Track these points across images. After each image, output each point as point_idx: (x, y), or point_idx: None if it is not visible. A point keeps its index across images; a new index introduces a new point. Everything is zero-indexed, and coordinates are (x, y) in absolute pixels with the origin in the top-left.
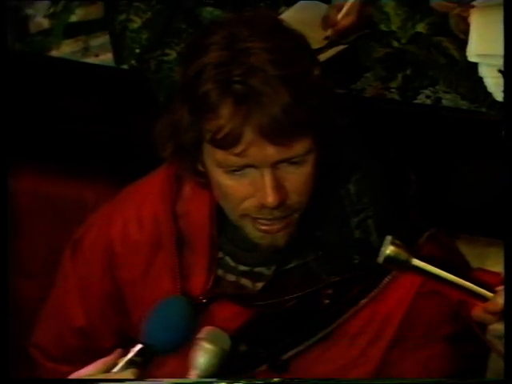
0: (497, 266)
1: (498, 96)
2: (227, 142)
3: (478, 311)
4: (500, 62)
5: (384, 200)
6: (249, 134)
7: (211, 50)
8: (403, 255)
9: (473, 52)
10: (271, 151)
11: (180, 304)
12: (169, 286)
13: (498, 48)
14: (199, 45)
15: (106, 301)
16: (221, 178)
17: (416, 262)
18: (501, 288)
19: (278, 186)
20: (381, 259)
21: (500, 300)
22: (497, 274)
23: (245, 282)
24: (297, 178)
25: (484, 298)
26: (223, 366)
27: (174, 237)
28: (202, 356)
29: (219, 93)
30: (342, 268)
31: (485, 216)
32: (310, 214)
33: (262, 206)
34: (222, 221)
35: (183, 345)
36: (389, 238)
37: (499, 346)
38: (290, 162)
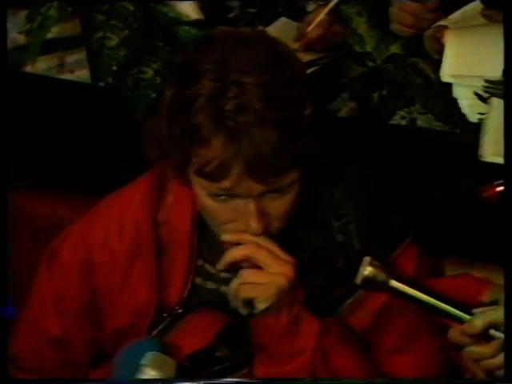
0: None
1: (472, 117)
2: (215, 176)
3: (454, 333)
4: (474, 83)
5: (366, 206)
6: (236, 170)
7: (204, 77)
8: (381, 276)
9: (446, 73)
10: (257, 187)
11: (149, 348)
12: (145, 295)
13: (473, 69)
14: (192, 68)
15: (82, 311)
16: (204, 200)
17: (394, 283)
18: (479, 310)
19: (262, 214)
20: (358, 280)
21: (477, 322)
22: (484, 280)
23: (225, 289)
24: (281, 205)
25: (461, 321)
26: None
27: (153, 245)
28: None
29: (211, 126)
30: (325, 271)
31: (460, 235)
32: (293, 218)
33: (245, 231)
34: (203, 228)
35: None
36: (367, 258)
37: (475, 368)
38: (275, 191)
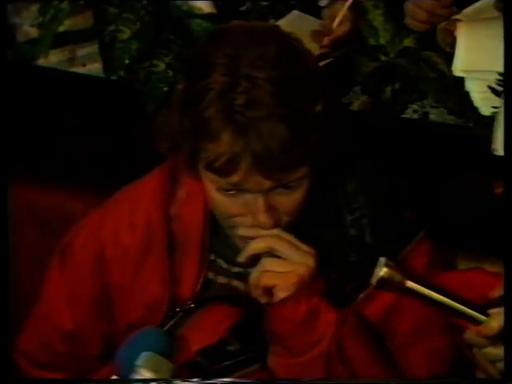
0: None
1: (485, 111)
2: (224, 171)
3: (470, 334)
4: (487, 77)
5: (379, 200)
6: (245, 165)
7: (215, 71)
8: (397, 277)
9: (459, 67)
10: (265, 182)
11: (155, 336)
12: (158, 291)
13: (485, 63)
14: (203, 61)
15: (95, 305)
16: (213, 194)
17: (410, 283)
18: (495, 311)
19: (271, 209)
20: (374, 281)
21: (494, 324)
22: (497, 274)
23: (236, 283)
24: (289, 201)
25: (477, 321)
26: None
27: (165, 240)
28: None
29: (221, 120)
30: (338, 265)
31: (471, 231)
32: (306, 212)
33: (254, 225)
34: (215, 223)
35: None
36: (382, 259)
37: (491, 369)
38: (284, 186)
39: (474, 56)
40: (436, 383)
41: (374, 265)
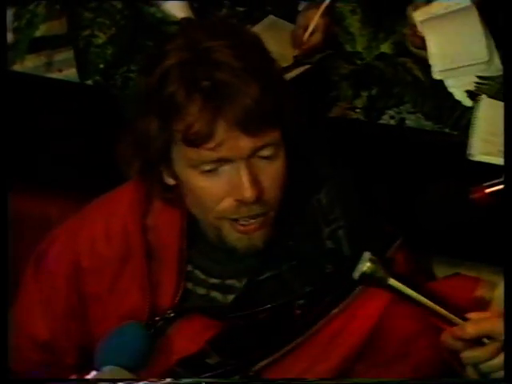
0: None
1: (468, 102)
2: (199, 138)
3: (446, 337)
4: (466, 71)
5: (355, 210)
6: (221, 128)
7: (172, 53)
8: (380, 273)
9: (436, 68)
10: (245, 142)
11: (134, 330)
12: (136, 300)
13: (461, 55)
14: (159, 52)
15: (70, 315)
16: (195, 181)
17: (392, 281)
18: (475, 316)
19: (254, 180)
20: (356, 275)
21: (469, 329)
22: (476, 278)
23: (215, 294)
24: (270, 172)
25: (455, 324)
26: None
27: (143, 250)
28: None
29: (186, 91)
30: (314, 278)
31: (448, 237)
32: (283, 223)
33: (240, 203)
34: (192, 234)
35: (137, 370)
36: (366, 254)
37: (471, 373)
38: (262, 156)
39: (446, 50)
40: (436, 383)
41: (350, 276)
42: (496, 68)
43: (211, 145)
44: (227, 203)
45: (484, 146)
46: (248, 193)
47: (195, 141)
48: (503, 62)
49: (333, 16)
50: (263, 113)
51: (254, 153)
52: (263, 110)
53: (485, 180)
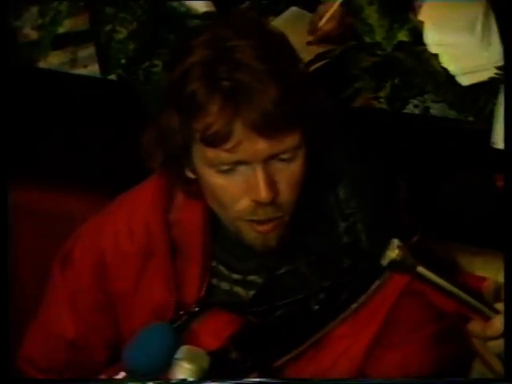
0: (483, 274)
1: (465, 81)
2: (218, 139)
3: (475, 327)
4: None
5: (372, 204)
6: (239, 130)
7: (196, 50)
8: (408, 260)
9: (430, 41)
10: (262, 145)
11: (162, 330)
12: (162, 296)
13: (453, 32)
14: (184, 47)
15: (97, 313)
16: (212, 179)
17: (421, 269)
18: (501, 307)
19: (270, 182)
20: (385, 262)
21: (498, 325)
22: (482, 278)
23: (238, 290)
24: (287, 174)
25: (483, 314)
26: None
27: (166, 246)
28: (181, 375)
29: (207, 90)
30: (332, 272)
31: (473, 225)
32: (299, 219)
33: (256, 205)
34: (215, 229)
35: (165, 369)
36: (395, 241)
37: (494, 362)
38: (280, 158)
39: (441, 28)
40: (436, 383)
41: (368, 271)
42: (492, 57)
43: (229, 146)
44: (244, 204)
45: None
46: (263, 194)
47: (213, 141)
48: (504, 59)
49: (350, 8)
50: (282, 117)
51: (271, 157)
52: (282, 114)
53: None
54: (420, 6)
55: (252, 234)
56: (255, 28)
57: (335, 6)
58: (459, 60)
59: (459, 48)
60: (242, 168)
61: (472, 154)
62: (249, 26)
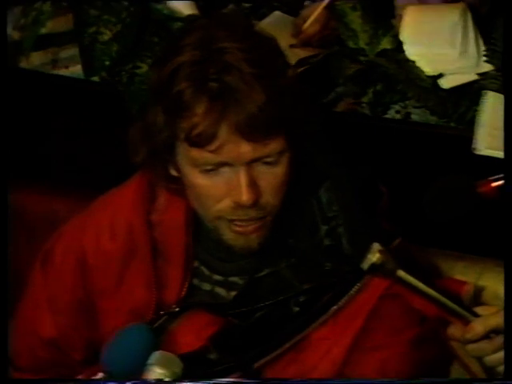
0: (464, 279)
1: (445, 84)
2: (202, 139)
3: (455, 331)
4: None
5: (354, 208)
6: (224, 131)
7: (186, 50)
8: (389, 264)
9: (411, 51)
10: (246, 148)
11: (139, 332)
12: (143, 296)
13: (431, 38)
14: (174, 46)
15: (78, 312)
16: (195, 178)
17: (401, 273)
18: (482, 310)
19: (253, 185)
20: (365, 266)
21: (478, 328)
22: (463, 282)
23: (219, 290)
24: (271, 178)
25: (463, 318)
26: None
27: (148, 246)
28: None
29: (194, 91)
30: (313, 275)
31: (454, 230)
32: (282, 221)
33: (237, 206)
34: (197, 230)
35: (143, 370)
36: (376, 245)
37: (473, 365)
38: (264, 162)
39: (419, 33)
40: (436, 383)
41: (349, 274)
42: (469, 61)
43: (213, 147)
44: (225, 204)
45: (489, 140)
46: (245, 196)
47: (198, 141)
48: (503, 59)
49: (334, 13)
50: (267, 121)
51: (254, 160)
52: (268, 119)
53: (490, 174)
54: (401, 16)
55: (231, 235)
56: (246, 31)
57: (319, 8)
58: (438, 65)
59: (439, 57)
60: (225, 169)
61: (453, 160)
62: (240, 29)
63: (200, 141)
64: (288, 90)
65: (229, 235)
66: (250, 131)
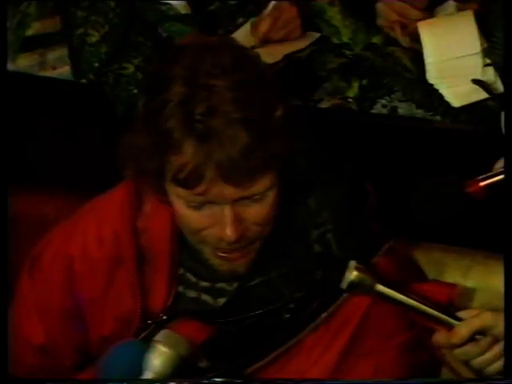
0: (454, 273)
1: (456, 103)
2: (189, 181)
3: (440, 339)
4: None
5: (343, 214)
6: (210, 173)
7: (174, 83)
8: (367, 280)
9: (429, 60)
10: (230, 191)
11: (134, 349)
12: (129, 304)
13: (453, 52)
14: (162, 75)
15: (66, 318)
16: (181, 209)
17: (380, 287)
18: (466, 314)
19: (238, 221)
20: (344, 285)
21: (463, 332)
22: (452, 284)
23: (206, 298)
24: (257, 213)
25: (447, 324)
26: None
27: (134, 253)
28: (157, 358)
29: (182, 131)
30: (304, 284)
31: (442, 223)
32: (271, 230)
33: (221, 239)
34: (183, 237)
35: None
36: (352, 263)
37: (462, 369)
38: (250, 199)
39: (440, 49)
40: (436, 383)
41: (339, 281)
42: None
43: (199, 190)
44: (209, 233)
45: None
46: (229, 233)
47: (185, 183)
48: (504, 60)
49: (312, 10)
50: (251, 165)
51: (240, 199)
52: (251, 163)
53: (477, 167)
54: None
55: (216, 260)
56: (236, 59)
57: (270, 5)
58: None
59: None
60: (210, 205)
61: (438, 153)
62: (229, 57)
63: (187, 182)
64: (275, 132)
65: (213, 260)
66: (233, 175)
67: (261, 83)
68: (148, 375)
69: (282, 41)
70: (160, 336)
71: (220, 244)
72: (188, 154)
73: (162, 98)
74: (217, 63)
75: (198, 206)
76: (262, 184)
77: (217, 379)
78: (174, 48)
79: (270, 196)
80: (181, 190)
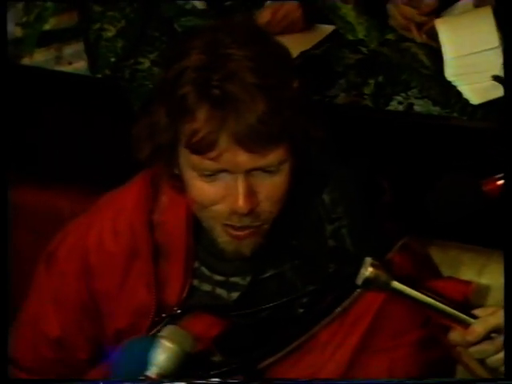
0: (470, 271)
1: (475, 100)
2: (202, 147)
3: (456, 337)
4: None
5: (358, 209)
6: (224, 140)
7: (192, 53)
8: (383, 277)
9: (448, 57)
10: (244, 158)
11: (144, 346)
12: (144, 297)
13: (472, 47)
14: (180, 48)
15: (82, 311)
16: (194, 181)
17: (396, 284)
18: (481, 312)
19: (250, 193)
20: (359, 281)
21: (479, 330)
22: (468, 282)
23: (220, 291)
24: (270, 186)
25: (463, 322)
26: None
27: (150, 246)
28: (162, 354)
29: (197, 96)
30: (317, 277)
31: (458, 222)
32: (285, 223)
33: (232, 212)
34: (198, 230)
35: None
36: (368, 259)
37: (477, 368)
38: (264, 170)
39: (459, 44)
40: (436, 383)
41: (353, 275)
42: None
43: (212, 155)
44: (220, 208)
45: None
46: (241, 204)
47: (198, 148)
48: (504, 60)
49: (326, 8)
50: (267, 133)
51: (254, 169)
52: (267, 131)
53: (493, 165)
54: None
55: (225, 238)
56: (254, 36)
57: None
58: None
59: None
60: (224, 175)
61: (456, 150)
62: (248, 34)
63: (200, 148)
64: (291, 102)
65: (222, 238)
66: (249, 142)
67: (277, 56)
68: (153, 370)
69: (282, 33)
70: (165, 331)
71: (231, 219)
72: (201, 119)
73: (180, 65)
74: (236, 37)
75: (212, 177)
76: (276, 155)
77: (213, 379)
78: (195, 29)
79: (284, 172)
80: (194, 158)
